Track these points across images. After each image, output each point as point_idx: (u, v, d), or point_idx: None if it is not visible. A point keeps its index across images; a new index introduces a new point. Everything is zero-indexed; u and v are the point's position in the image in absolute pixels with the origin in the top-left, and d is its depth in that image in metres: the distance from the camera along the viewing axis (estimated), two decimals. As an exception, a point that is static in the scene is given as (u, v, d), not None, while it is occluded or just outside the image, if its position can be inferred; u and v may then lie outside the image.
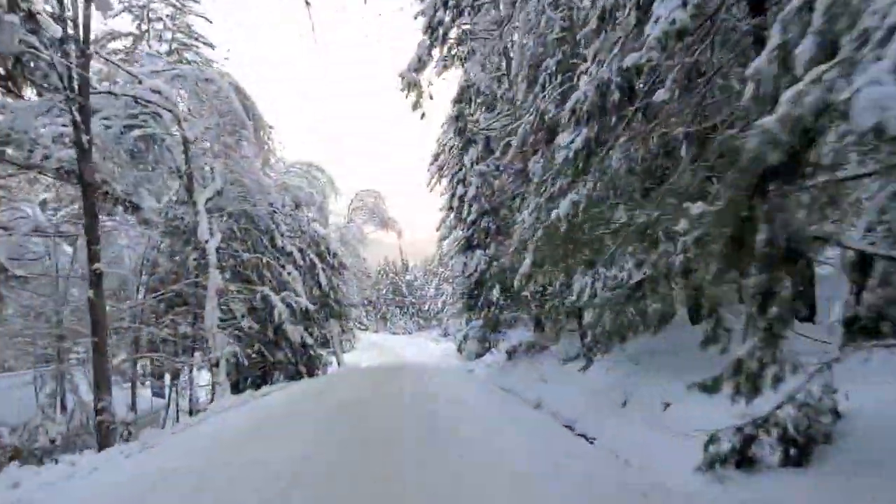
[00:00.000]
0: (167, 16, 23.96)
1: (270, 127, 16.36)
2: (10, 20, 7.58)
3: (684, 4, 4.97)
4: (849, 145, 2.59)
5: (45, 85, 9.43)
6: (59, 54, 9.10)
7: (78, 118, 9.52)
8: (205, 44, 24.84)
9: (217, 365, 11.34)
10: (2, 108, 9.80)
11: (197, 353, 14.86)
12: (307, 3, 7.91)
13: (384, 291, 60.39)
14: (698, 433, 4.07)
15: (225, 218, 15.19)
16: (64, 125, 10.67)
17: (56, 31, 9.10)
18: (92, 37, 12.99)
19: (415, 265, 62.75)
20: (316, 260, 18.85)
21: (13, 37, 7.70)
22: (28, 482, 5.35)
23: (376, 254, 53.63)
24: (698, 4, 5.13)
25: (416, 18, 12.11)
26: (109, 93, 12.42)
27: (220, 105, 13.44)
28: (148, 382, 18.55)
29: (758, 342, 3.13)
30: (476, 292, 12.70)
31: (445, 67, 12.27)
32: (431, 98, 11.96)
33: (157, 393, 17.61)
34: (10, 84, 8.54)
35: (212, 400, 12.08)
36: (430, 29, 11.57)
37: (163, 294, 14.06)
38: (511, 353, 13.16)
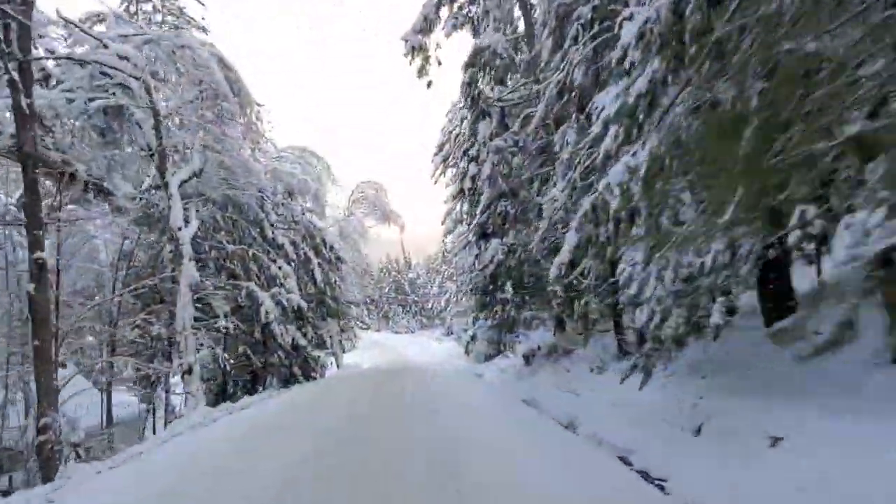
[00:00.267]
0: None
1: (259, 105, 14.69)
2: None
3: None
4: None
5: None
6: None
7: (16, 77, 7.93)
8: (198, 28, 23.29)
9: (190, 372, 9.75)
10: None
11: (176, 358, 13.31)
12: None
13: (386, 289, 58.92)
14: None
15: (207, 205, 13.59)
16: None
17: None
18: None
19: (417, 263, 61.25)
20: (311, 254, 17.23)
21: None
22: None
23: (378, 251, 52.38)
24: None
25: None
26: (68, 58, 10.84)
27: (200, 75, 11.83)
28: (124, 387, 17.08)
29: None
30: (492, 287, 10.99)
31: (455, 28, 10.60)
32: (440, 64, 10.34)
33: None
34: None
35: (175, 415, 10.48)
36: (438, -18, 9.94)
37: (135, 290, 12.48)
38: (529, 357, 11.55)
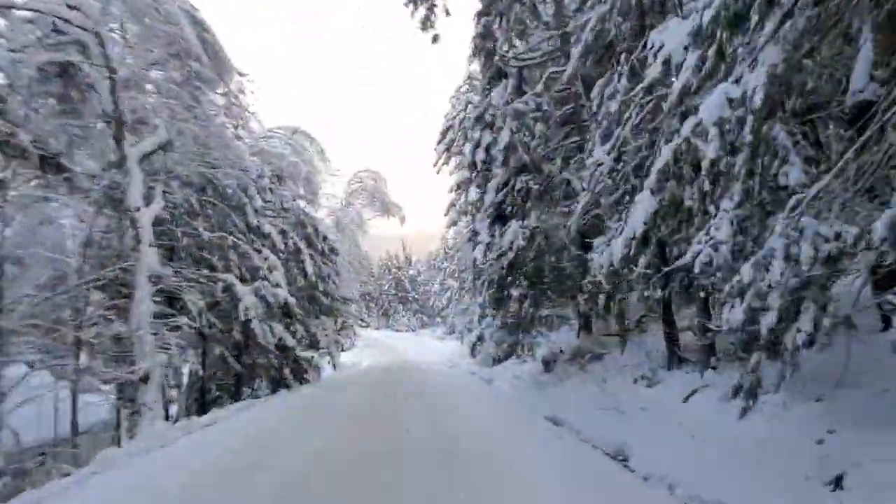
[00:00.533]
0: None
1: (242, 74, 13.00)
2: None
3: None
4: None
5: None
6: None
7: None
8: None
9: (146, 380, 8.10)
10: None
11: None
12: None
13: (386, 287, 57.28)
14: None
15: (181, 186, 11.93)
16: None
17: None
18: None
19: (418, 259, 59.53)
20: (302, 244, 15.56)
21: None
22: None
23: (378, 248, 50.72)
24: None
25: None
26: (10, 7, 9.21)
27: (169, 31, 10.18)
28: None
29: None
30: (509, 279, 9.27)
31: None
32: (448, 14, 8.67)
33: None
34: None
35: (130, 433, 8.83)
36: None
37: (97, 282, 10.84)
38: (550, 363, 9.87)
